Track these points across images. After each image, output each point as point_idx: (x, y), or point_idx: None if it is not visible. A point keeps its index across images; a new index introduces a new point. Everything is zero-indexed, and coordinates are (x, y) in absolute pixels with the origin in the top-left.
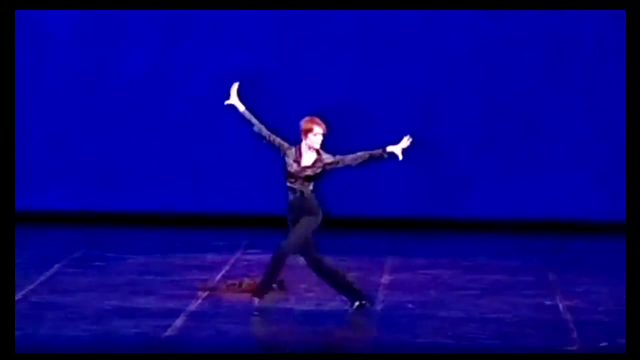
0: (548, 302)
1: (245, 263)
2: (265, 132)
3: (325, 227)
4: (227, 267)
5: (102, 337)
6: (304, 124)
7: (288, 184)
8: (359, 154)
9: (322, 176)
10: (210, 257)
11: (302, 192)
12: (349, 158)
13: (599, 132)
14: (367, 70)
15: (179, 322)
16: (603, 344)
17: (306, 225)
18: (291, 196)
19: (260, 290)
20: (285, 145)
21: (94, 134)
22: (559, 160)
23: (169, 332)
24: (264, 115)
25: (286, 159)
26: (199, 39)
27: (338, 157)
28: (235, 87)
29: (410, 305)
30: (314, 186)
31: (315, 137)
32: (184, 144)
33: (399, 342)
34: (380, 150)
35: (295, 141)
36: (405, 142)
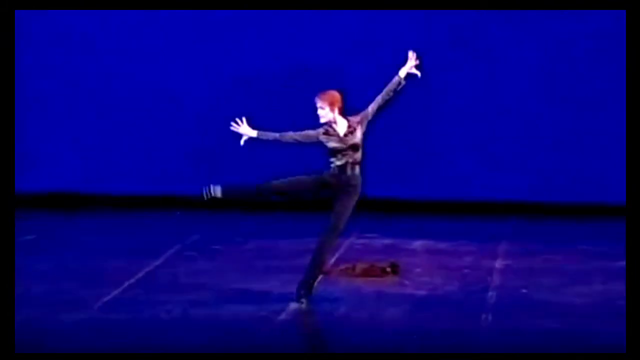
0: None
1: (358, 247)
2: (290, 138)
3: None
4: (340, 251)
5: (218, 320)
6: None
7: (338, 164)
8: (379, 96)
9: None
10: None
11: (353, 167)
12: (373, 106)
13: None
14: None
15: (293, 305)
16: None
17: (352, 209)
18: (340, 174)
19: (309, 286)
20: (312, 132)
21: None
22: None
23: (283, 315)
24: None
25: (324, 142)
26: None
27: (363, 112)
28: (243, 124)
29: (524, 291)
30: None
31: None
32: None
33: (513, 328)
34: (397, 79)
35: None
36: (412, 58)
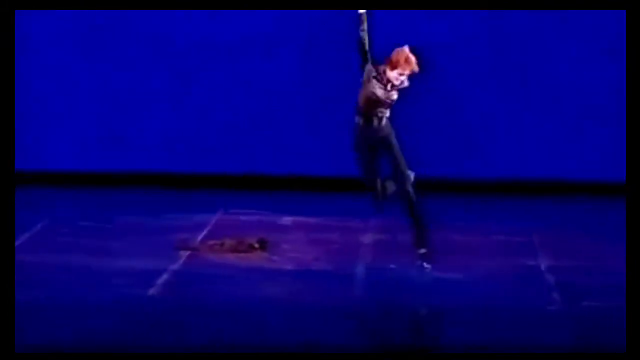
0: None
1: (227, 223)
2: (361, 40)
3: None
4: (209, 227)
5: (89, 295)
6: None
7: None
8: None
9: None
10: (192, 218)
11: (381, 119)
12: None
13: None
14: None
15: (161, 281)
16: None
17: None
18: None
19: (421, 241)
20: (369, 67)
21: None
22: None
23: (151, 291)
24: None
25: (368, 83)
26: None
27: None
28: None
29: (392, 266)
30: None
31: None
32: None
33: (385, 303)
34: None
35: None
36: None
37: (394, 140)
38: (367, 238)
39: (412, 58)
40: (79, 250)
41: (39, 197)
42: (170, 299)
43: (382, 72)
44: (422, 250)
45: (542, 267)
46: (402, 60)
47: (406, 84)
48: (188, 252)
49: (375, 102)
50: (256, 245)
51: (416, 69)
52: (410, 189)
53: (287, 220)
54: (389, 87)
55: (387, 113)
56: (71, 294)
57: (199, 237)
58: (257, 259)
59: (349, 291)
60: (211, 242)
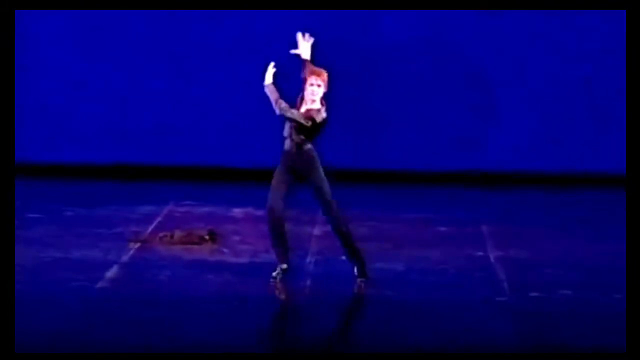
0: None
1: (177, 215)
2: (283, 111)
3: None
4: (159, 219)
5: (37, 288)
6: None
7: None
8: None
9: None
10: (142, 210)
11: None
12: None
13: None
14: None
15: (110, 273)
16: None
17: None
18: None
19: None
20: (313, 111)
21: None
22: None
23: (100, 284)
24: None
25: (317, 117)
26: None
27: None
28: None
29: (343, 258)
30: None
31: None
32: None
33: (334, 294)
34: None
35: None
36: (301, 39)
37: (318, 171)
38: (317, 230)
39: (320, 69)
40: (28, 243)
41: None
42: (119, 292)
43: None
44: (362, 279)
45: (492, 258)
46: (309, 72)
47: (322, 111)
48: (138, 244)
49: (292, 126)
50: (206, 237)
51: (325, 76)
52: (340, 219)
53: (237, 212)
54: (303, 107)
55: (308, 143)
56: (18, 286)
57: (149, 229)
58: (206, 251)
59: (299, 283)
60: (161, 234)
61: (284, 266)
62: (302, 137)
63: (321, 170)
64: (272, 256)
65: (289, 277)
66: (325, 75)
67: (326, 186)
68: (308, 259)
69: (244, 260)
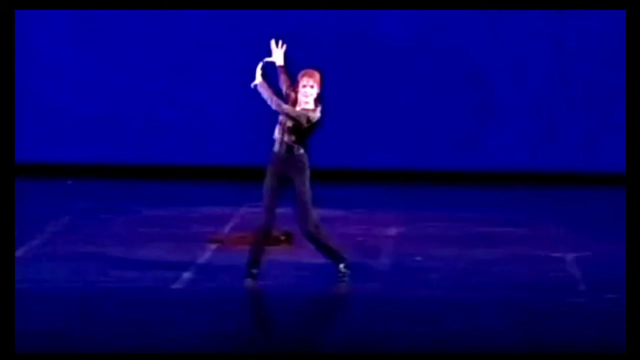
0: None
1: (252, 216)
2: (281, 109)
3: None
4: (235, 220)
5: (109, 289)
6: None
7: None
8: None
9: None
10: (219, 210)
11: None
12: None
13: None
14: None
15: (187, 274)
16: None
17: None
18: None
19: (337, 259)
20: (310, 110)
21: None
22: None
23: (177, 284)
24: None
25: (313, 118)
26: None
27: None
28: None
29: (418, 259)
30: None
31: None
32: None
33: (404, 295)
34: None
35: None
36: (275, 47)
37: (306, 180)
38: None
39: (313, 70)
40: (103, 243)
41: (44, 189)
42: (198, 291)
43: (292, 98)
44: (342, 265)
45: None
46: (301, 74)
47: (317, 111)
48: (216, 245)
49: (283, 127)
50: (282, 238)
51: (318, 77)
52: (312, 229)
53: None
54: (297, 108)
55: (300, 147)
56: (97, 286)
57: (226, 230)
58: (283, 251)
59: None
60: (237, 235)
61: (254, 270)
62: (294, 138)
63: (308, 180)
64: (346, 256)
65: (361, 277)
66: (318, 76)
67: (308, 196)
68: (382, 260)
69: (321, 261)
